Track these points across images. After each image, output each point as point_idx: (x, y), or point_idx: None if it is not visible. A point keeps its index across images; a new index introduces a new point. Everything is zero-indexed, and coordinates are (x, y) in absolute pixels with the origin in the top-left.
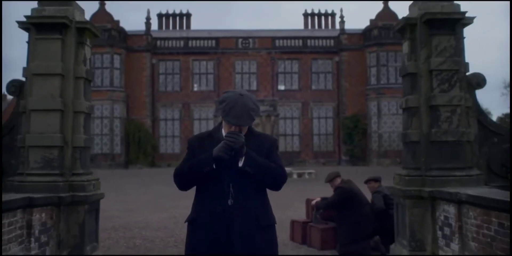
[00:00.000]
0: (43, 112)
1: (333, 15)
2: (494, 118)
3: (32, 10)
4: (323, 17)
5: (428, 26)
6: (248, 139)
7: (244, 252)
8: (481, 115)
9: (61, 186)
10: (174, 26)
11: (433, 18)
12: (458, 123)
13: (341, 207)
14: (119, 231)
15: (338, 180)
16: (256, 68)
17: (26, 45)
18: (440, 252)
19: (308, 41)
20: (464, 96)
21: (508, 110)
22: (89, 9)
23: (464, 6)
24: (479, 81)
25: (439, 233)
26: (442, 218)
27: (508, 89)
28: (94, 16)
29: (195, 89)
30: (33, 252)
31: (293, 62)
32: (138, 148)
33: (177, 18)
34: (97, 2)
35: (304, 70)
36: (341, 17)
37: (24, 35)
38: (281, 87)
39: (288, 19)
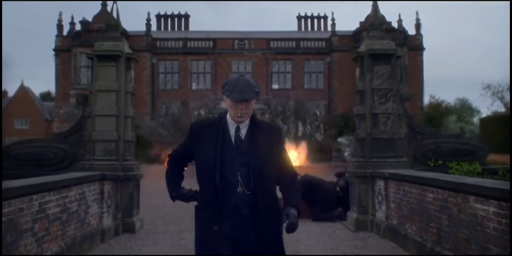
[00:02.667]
0: (104, 116)
1: (325, 17)
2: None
3: (95, 45)
4: (315, 20)
5: (372, 58)
6: (255, 132)
7: (251, 240)
8: (410, 120)
9: (117, 168)
10: (173, 27)
11: (374, 53)
12: (392, 125)
13: (307, 195)
14: (143, 209)
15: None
16: (252, 68)
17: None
18: (376, 213)
19: (301, 42)
20: (397, 107)
21: (495, 109)
22: (92, 10)
23: (464, 6)
24: (407, 96)
25: (376, 200)
26: (377, 190)
27: (487, 90)
28: (96, 17)
29: (194, 87)
30: (104, 210)
31: (287, 63)
32: (138, 144)
33: (176, 19)
34: (99, 3)
35: (297, 70)
36: (333, 19)
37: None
38: (275, 86)
39: (282, 22)
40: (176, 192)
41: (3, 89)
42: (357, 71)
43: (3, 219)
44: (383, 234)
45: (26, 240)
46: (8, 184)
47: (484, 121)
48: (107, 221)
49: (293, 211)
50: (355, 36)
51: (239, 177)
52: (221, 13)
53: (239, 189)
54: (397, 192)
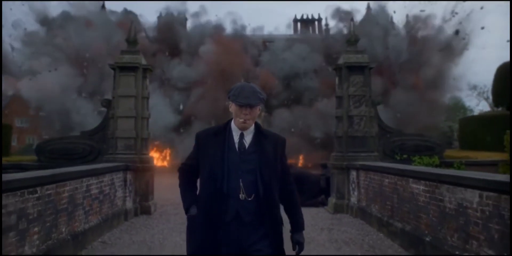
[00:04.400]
0: (125, 118)
1: (319, 20)
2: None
3: (116, 57)
4: (310, 22)
5: (348, 69)
6: (260, 140)
7: (254, 245)
8: (380, 121)
9: (136, 160)
10: None
11: (350, 65)
12: (364, 125)
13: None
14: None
15: None
16: None
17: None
18: (351, 198)
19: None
20: (369, 110)
21: (481, 109)
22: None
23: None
24: (378, 101)
25: (350, 187)
26: (351, 179)
27: (473, 90)
28: None
29: None
30: (126, 194)
31: None
32: None
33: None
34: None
35: None
36: (326, 25)
37: None
38: None
39: (278, 23)
40: (190, 206)
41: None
42: (337, 79)
43: (66, 194)
44: (355, 214)
45: (79, 211)
46: (66, 170)
47: (463, 121)
48: (129, 204)
49: (302, 240)
50: None
51: (241, 184)
52: (218, 13)
53: (241, 196)
54: (365, 179)
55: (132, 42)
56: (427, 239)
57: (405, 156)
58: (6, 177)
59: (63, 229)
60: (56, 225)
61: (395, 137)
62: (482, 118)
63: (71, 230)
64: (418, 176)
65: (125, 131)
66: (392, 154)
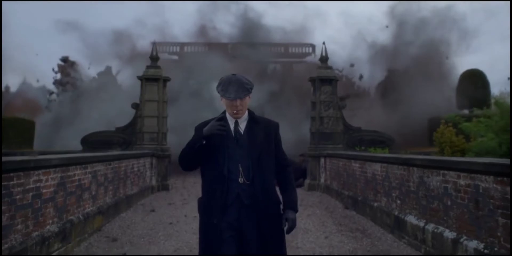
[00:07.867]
0: (150, 117)
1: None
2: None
3: (144, 71)
4: None
5: (320, 81)
6: (254, 126)
7: (253, 227)
8: (345, 121)
9: (158, 149)
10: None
11: (321, 78)
12: (332, 124)
13: None
14: None
15: None
16: None
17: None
18: (320, 179)
19: None
20: (336, 113)
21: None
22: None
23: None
24: (343, 105)
25: (320, 171)
26: (321, 164)
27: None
28: None
29: None
30: (152, 174)
31: None
32: None
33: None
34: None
35: None
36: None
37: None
38: None
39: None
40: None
41: (6, 84)
42: (312, 89)
43: (123, 168)
44: (323, 190)
45: (128, 181)
46: (123, 152)
47: (431, 121)
48: (153, 182)
49: (292, 216)
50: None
51: (240, 168)
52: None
53: (240, 179)
54: (329, 164)
55: (154, 59)
56: (359, 198)
57: (363, 148)
58: (96, 154)
59: (121, 191)
60: (118, 188)
61: (356, 133)
62: (447, 119)
63: (125, 193)
64: (355, 158)
65: (150, 127)
66: (353, 146)
